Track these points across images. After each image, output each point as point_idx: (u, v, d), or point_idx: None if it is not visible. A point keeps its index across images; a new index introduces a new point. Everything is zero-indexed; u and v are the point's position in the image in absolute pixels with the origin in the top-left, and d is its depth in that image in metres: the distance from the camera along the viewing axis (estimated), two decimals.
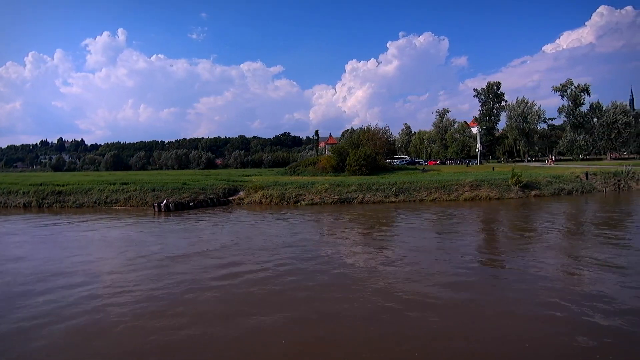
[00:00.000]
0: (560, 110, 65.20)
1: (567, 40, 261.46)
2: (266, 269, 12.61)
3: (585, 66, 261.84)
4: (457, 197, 31.47)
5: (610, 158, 61.94)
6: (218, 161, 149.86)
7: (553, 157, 65.77)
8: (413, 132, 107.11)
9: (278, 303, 9.53)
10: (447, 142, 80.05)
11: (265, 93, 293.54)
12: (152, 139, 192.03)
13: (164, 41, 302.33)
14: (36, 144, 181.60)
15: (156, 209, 28.79)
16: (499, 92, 73.17)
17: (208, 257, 14.31)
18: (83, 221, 24.64)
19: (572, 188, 34.63)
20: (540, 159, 67.76)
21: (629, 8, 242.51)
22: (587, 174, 37.42)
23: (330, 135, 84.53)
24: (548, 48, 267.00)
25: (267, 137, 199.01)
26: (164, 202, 29.49)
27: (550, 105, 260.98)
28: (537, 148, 69.29)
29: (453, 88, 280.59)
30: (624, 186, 36.66)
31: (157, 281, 11.46)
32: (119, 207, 31.84)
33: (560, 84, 63.12)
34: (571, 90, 61.75)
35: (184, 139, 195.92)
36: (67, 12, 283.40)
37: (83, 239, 18.85)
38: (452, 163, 66.94)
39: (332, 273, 11.98)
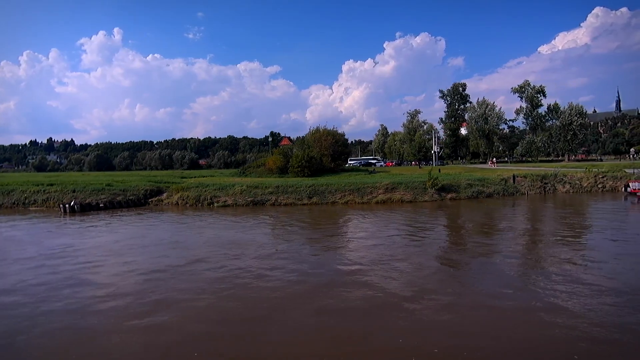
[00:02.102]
0: (517, 112, 65.19)
1: (563, 41, 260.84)
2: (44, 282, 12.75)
3: (580, 67, 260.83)
4: (370, 200, 31.46)
5: (569, 159, 61.66)
6: (202, 162, 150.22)
7: (494, 159, 65.78)
8: (389, 133, 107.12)
9: None
10: (415, 143, 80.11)
11: (262, 93, 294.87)
12: (142, 139, 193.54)
13: (160, 41, 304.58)
14: (25, 144, 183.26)
15: (62, 210, 29.01)
16: (464, 94, 73.06)
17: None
18: None
19: (494, 191, 34.52)
20: (503, 160, 67.48)
21: (624, 9, 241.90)
22: (514, 177, 37.26)
23: (285, 137, 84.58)
24: (544, 49, 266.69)
25: (257, 138, 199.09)
26: (71, 203, 29.69)
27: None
28: (501, 149, 69.03)
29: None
30: (549, 189, 36.44)
31: None
32: (36, 208, 32.10)
33: (518, 85, 63.07)
34: (528, 91, 61.51)
35: (173, 139, 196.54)
36: (63, 11, 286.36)
37: None
38: (409, 164, 66.81)
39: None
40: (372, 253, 14.64)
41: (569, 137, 60.26)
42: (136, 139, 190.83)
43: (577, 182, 37.04)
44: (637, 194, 29.84)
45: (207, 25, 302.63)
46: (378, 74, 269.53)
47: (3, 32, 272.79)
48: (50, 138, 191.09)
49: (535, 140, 60.90)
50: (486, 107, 63.83)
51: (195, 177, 50.44)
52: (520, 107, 63.27)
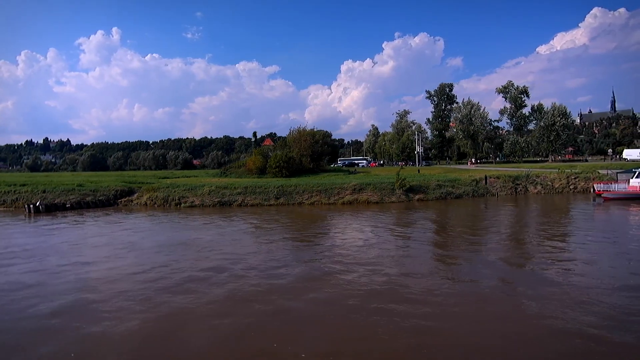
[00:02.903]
0: (502, 112, 65.14)
1: (561, 41, 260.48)
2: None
3: (578, 67, 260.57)
4: (336, 201, 31.49)
5: (553, 160, 61.56)
6: (196, 162, 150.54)
7: (474, 159, 65.84)
8: (381, 133, 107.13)
9: None
10: (403, 143, 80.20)
11: (260, 93, 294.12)
12: (139, 139, 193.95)
13: (159, 40, 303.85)
14: (21, 144, 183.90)
15: (27, 210, 29.11)
16: (450, 94, 73.03)
17: None
18: None
19: (463, 192, 34.51)
20: (489, 161, 67.49)
21: (622, 10, 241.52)
22: (486, 178, 37.24)
23: (268, 137, 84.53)
24: (542, 49, 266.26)
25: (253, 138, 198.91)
26: (37, 203, 29.79)
27: (546, 106, 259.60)
28: (485, 149, 68.94)
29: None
30: (520, 190, 36.41)
31: None
32: (4, 209, 32.25)
33: (502, 86, 63.01)
34: (511, 92, 61.45)
35: (169, 139, 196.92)
36: (61, 11, 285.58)
37: None
38: (398, 164, 66.72)
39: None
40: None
41: (552, 138, 60.17)
42: (135, 139, 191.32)
43: (549, 183, 37.01)
44: (602, 195, 29.76)
45: (206, 25, 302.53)
46: (377, 74, 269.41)
47: (1, 31, 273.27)
48: (47, 138, 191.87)
49: (519, 140, 60.84)
50: (471, 107, 63.79)
51: (177, 177, 50.62)
52: (505, 107, 63.36)
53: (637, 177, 30.29)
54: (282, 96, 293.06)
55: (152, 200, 33.02)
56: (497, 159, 69.57)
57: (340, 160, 76.44)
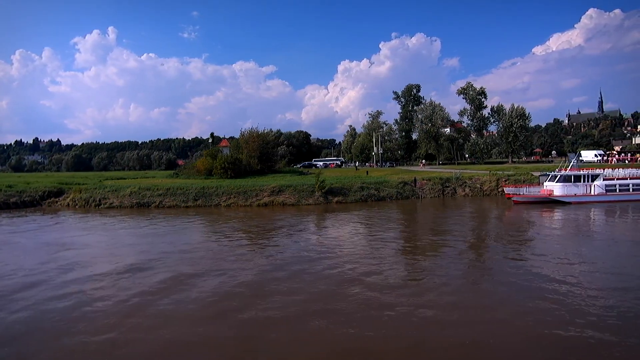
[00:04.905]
0: (461, 113, 64.97)
1: (557, 42, 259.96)
2: None
3: (573, 68, 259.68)
4: (253, 203, 31.63)
5: (512, 161, 61.34)
6: (180, 162, 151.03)
7: (424, 161, 65.88)
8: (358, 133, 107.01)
9: None
10: (362, 144, 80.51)
11: (257, 93, 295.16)
12: (132, 139, 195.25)
13: (155, 40, 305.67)
14: (10, 143, 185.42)
15: None
16: (417, 95, 72.85)
17: None
18: None
19: (387, 194, 34.53)
20: (450, 162, 67.26)
21: (617, 11, 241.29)
22: (415, 180, 37.24)
23: (224, 138, 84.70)
24: (538, 50, 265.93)
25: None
26: None
27: (541, 106, 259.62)
28: (452, 149, 68.74)
29: (444, 89, 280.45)
30: (448, 192, 36.38)
31: None
32: None
33: (462, 87, 62.88)
34: (470, 93, 61.28)
35: (158, 140, 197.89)
36: (57, 10, 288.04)
37: None
38: (351, 166, 66.89)
39: None
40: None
41: (510, 139, 59.97)
42: (132, 139, 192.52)
43: (478, 185, 36.95)
44: (512, 198, 29.69)
45: (203, 25, 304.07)
46: (374, 74, 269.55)
47: None
48: (36, 138, 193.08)
49: (479, 142, 60.67)
50: (433, 108, 63.67)
51: (135, 178, 51.28)
52: (464, 108, 63.20)
53: (549, 180, 30.26)
54: (279, 96, 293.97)
55: (74, 201, 33.35)
56: (466, 161, 69.35)
57: (315, 161, 76.72)
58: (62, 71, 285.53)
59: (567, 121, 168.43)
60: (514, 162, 61.78)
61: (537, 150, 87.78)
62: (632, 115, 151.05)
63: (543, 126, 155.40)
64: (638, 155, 56.67)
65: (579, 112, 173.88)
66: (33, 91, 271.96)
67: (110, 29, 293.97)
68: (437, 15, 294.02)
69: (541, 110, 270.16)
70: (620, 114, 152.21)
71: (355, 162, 79.09)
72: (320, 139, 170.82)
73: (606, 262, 13.31)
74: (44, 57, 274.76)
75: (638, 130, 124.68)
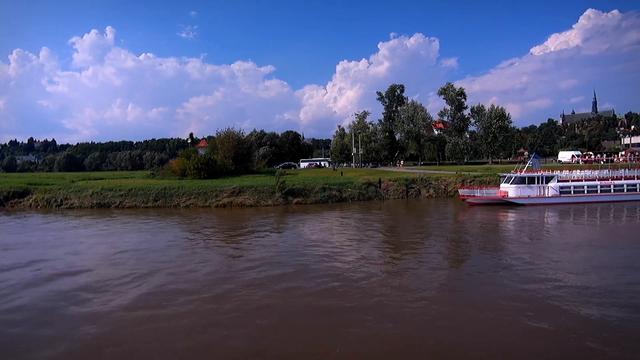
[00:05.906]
0: (441, 114, 64.77)
1: (555, 42, 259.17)
2: None
3: (571, 68, 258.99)
4: (212, 204, 31.74)
5: (492, 162, 61.21)
6: (172, 161, 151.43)
7: (402, 162, 66.04)
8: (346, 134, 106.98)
9: None
10: (341, 145, 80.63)
11: (255, 93, 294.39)
12: (129, 140, 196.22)
13: (153, 40, 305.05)
14: (5, 143, 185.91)
15: None
16: (401, 95, 72.70)
17: None
18: None
19: (349, 195, 34.58)
20: (433, 163, 67.17)
21: (614, 12, 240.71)
22: (380, 181, 37.27)
23: (203, 139, 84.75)
24: (536, 50, 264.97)
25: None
26: None
27: (539, 107, 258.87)
28: (433, 150, 68.65)
29: None
30: (412, 193, 36.39)
31: None
32: None
33: (442, 88, 62.74)
34: (449, 93, 61.15)
35: (153, 140, 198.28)
36: (54, 9, 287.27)
37: None
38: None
39: None
40: None
41: (489, 140, 59.83)
42: (130, 140, 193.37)
43: (442, 187, 36.95)
44: (467, 200, 29.69)
45: (201, 24, 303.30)
46: (372, 74, 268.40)
47: None
48: (31, 138, 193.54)
49: (459, 142, 60.57)
50: (414, 109, 63.60)
51: (115, 178, 51.56)
52: (445, 109, 63.06)
53: (505, 182, 30.23)
54: (277, 96, 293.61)
55: (36, 202, 33.54)
56: (451, 162, 69.15)
57: (302, 161, 76.81)
58: (59, 71, 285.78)
59: (561, 121, 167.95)
60: (495, 162, 61.65)
61: (521, 150, 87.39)
62: (626, 116, 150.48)
63: (538, 126, 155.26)
64: (614, 156, 56.28)
65: (574, 113, 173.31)
66: (30, 91, 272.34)
67: (108, 28, 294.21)
68: (436, 15, 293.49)
69: (539, 111, 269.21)
70: (614, 114, 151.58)
71: (335, 162, 79.14)
72: (317, 139, 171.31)
73: (539, 265, 13.13)
74: (42, 57, 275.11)
75: (630, 130, 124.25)
